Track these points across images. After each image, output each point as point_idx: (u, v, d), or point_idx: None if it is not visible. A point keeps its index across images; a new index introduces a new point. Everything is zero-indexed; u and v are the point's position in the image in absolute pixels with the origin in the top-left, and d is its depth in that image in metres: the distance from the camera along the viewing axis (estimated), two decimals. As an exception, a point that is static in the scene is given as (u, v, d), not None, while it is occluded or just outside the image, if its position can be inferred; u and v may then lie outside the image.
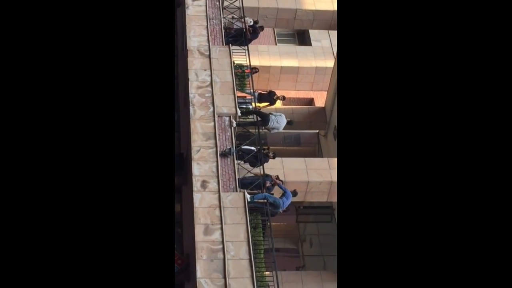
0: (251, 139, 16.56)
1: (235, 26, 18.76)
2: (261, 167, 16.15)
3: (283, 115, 17.59)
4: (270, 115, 17.30)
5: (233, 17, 18.91)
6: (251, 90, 17.51)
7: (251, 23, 19.21)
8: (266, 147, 17.04)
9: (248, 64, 17.72)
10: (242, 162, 16.07)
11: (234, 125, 16.18)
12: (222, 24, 18.33)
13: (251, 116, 17.27)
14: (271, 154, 16.59)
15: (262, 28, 19.09)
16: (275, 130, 17.61)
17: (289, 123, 17.69)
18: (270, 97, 18.28)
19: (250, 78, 17.64)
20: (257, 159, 16.11)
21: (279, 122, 17.28)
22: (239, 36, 18.45)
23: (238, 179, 15.38)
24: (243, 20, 18.79)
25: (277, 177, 16.05)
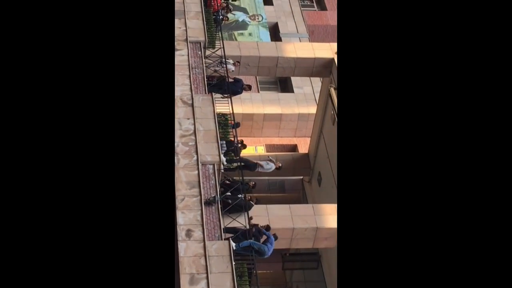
0: (234, 186, 16.56)
1: (217, 68, 18.95)
2: (246, 214, 16.10)
3: (270, 163, 18.51)
4: (258, 163, 17.73)
5: (214, 63, 19.10)
6: (236, 141, 17.59)
7: (233, 70, 19.44)
8: (249, 196, 17.10)
9: (231, 112, 17.84)
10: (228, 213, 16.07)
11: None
12: (205, 73, 18.49)
13: (235, 164, 17.33)
14: (254, 200, 16.86)
15: (250, 87, 19.37)
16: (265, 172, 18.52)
17: (278, 169, 18.63)
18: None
19: (233, 130, 17.74)
20: (241, 207, 16.14)
21: (266, 166, 18.27)
22: (222, 84, 18.61)
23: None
24: (225, 65, 18.98)
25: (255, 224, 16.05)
